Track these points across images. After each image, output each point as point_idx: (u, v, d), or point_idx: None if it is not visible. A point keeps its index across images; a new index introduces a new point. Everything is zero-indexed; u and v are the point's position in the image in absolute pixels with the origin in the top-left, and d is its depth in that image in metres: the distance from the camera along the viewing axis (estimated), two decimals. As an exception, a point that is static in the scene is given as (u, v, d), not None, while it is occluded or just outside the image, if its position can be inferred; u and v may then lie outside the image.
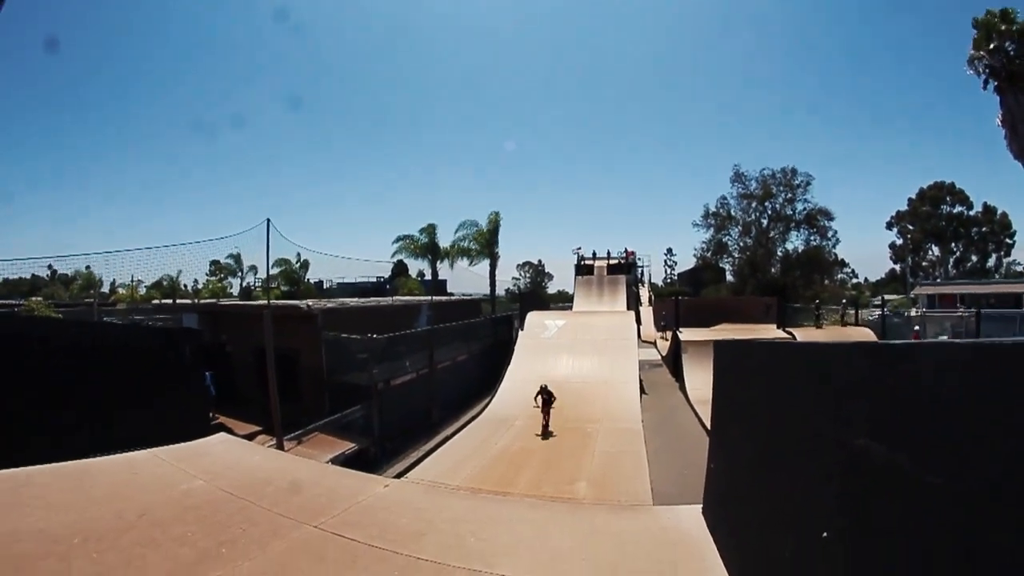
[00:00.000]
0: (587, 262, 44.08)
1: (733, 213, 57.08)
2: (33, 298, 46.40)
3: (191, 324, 21.65)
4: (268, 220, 17.70)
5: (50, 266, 60.58)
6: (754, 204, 55.90)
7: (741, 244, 57.47)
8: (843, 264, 60.64)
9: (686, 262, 69.98)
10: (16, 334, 7.07)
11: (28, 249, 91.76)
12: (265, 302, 23.07)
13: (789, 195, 54.91)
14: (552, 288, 70.06)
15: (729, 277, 60.44)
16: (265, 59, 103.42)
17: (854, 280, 63.95)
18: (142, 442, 5.93)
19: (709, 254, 59.41)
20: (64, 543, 3.59)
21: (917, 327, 31.47)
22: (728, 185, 57.40)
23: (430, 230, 44.94)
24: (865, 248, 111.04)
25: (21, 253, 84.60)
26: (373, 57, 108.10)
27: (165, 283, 49.04)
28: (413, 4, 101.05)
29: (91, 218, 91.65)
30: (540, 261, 77.34)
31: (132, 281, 48.32)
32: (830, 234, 54.96)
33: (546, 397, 14.06)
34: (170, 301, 47.50)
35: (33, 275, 59.24)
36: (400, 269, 54.45)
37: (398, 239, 46.45)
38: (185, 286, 50.91)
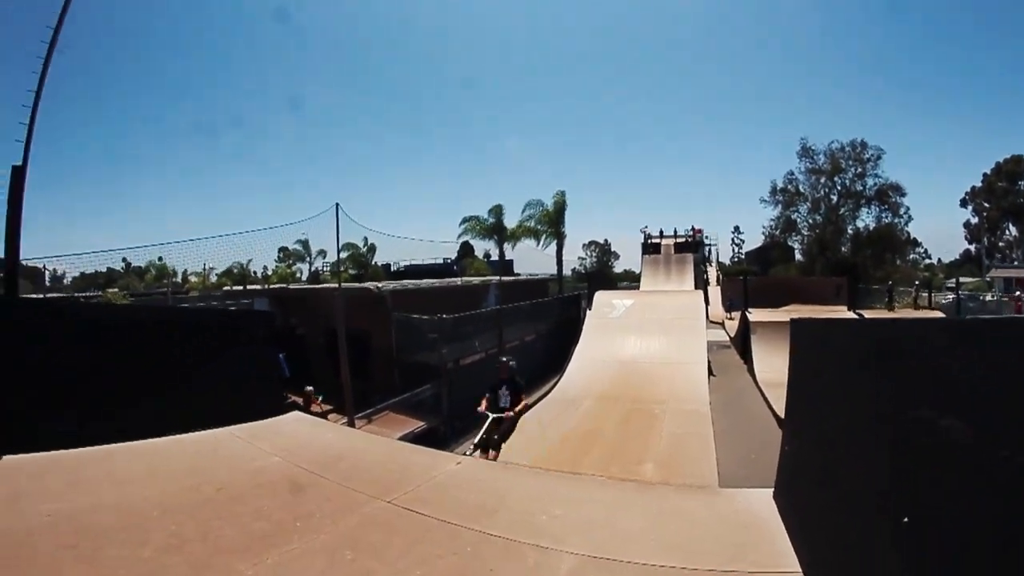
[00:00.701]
0: (654, 241, 43.66)
1: (801, 189, 54.65)
2: (110, 290, 49.10)
3: (262, 306, 22.53)
4: (337, 205, 18.20)
5: (125, 259, 63.80)
6: (823, 180, 53.30)
7: (810, 221, 55.12)
8: (915, 243, 57.71)
9: (754, 240, 68.10)
10: (98, 319, 7.50)
11: (102, 243, 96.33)
12: (335, 285, 23.67)
13: (859, 170, 52.00)
14: (619, 267, 69.58)
15: (798, 256, 58.28)
16: (326, 43, 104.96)
17: (927, 261, 61.02)
18: (219, 420, 6.24)
19: (777, 232, 57.30)
20: (142, 515, 3.86)
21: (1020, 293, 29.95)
22: (796, 160, 55.00)
23: (496, 211, 45.17)
24: (938, 227, 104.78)
25: (95, 247, 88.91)
26: (433, 35, 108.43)
27: (236, 270, 51.00)
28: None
29: (162, 208, 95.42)
30: (607, 240, 76.90)
31: (204, 269, 50.49)
32: (902, 211, 51.81)
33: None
34: (241, 287, 49.50)
35: (108, 268, 62.70)
36: (466, 250, 55.19)
37: (464, 220, 46.77)
38: (255, 272, 52.82)
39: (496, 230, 45.21)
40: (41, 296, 24.37)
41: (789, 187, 54.79)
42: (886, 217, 52.04)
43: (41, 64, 15.37)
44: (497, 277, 31.66)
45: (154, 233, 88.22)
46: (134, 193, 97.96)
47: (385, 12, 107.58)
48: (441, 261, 52.12)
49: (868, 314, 22.97)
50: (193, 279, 51.49)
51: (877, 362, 3.04)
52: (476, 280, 30.74)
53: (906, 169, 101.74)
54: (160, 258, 55.14)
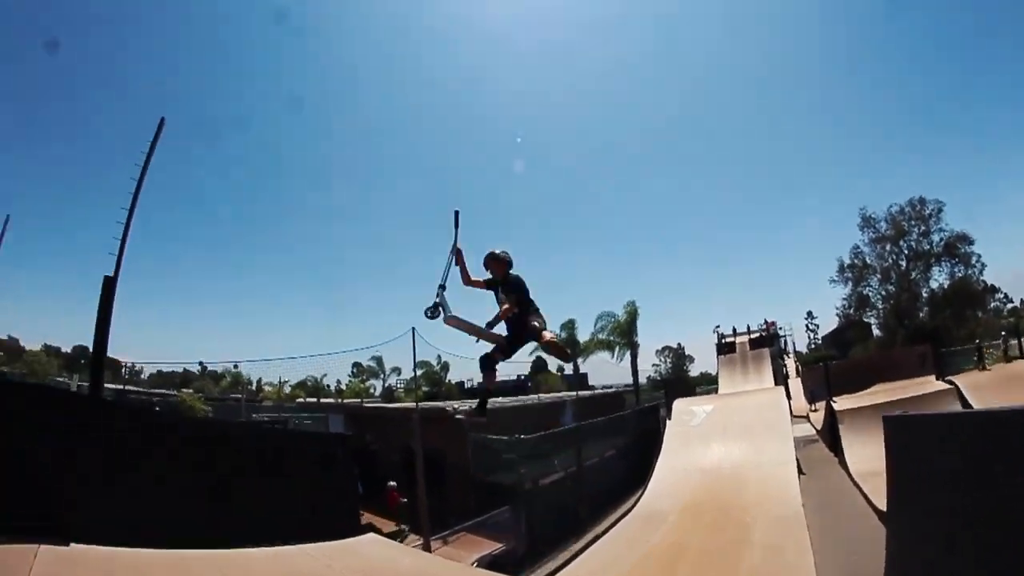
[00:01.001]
0: (728, 340, 42.97)
1: (869, 261, 52.72)
2: (184, 390, 51.38)
3: (338, 425, 23.09)
4: (413, 329, 18.79)
5: (201, 362, 67.01)
6: (888, 247, 51.31)
7: (883, 293, 52.83)
8: (994, 290, 53.77)
9: (828, 323, 65.41)
10: (193, 431, 7.94)
11: (178, 343, 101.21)
12: (409, 404, 24.08)
13: (923, 228, 49.57)
14: (695, 370, 67.94)
15: (876, 331, 55.68)
16: (404, 170, 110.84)
17: (1009, 305, 57.08)
18: (296, 537, 6.35)
19: (851, 310, 55.17)
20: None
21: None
22: (858, 233, 53.40)
23: (569, 326, 45.69)
24: (1016, 266, 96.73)
25: (172, 347, 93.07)
26: (502, 158, 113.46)
27: (309, 383, 52.42)
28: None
29: (237, 311, 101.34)
30: (680, 345, 75.68)
31: (279, 381, 52.23)
32: (974, 260, 48.99)
33: None
34: (315, 399, 50.85)
35: (184, 369, 66.09)
36: (539, 365, 55.16)
37: (538, 340, 46.87)
38: (328, 386, 54.06)
39: (569, 345, 45.36)
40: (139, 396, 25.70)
41: (856, 261, 52.88)
42: (959, 271, 49.39)
43: (134, 184, 17.28)
44: (573, 393, 31.50)
45: (229, 336, 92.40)
46: (211, 297, 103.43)
47: (459, 138, 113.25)
48: (515, 378, 52.24)
49: (960, 380, 21.73)
50: (268, 388, 53.22)
51: (986, 457, 2.97)
52: (553, 396, 30.66)
53: (970, 216, 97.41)
54: (236, 365, 57.71)
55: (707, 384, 44.11)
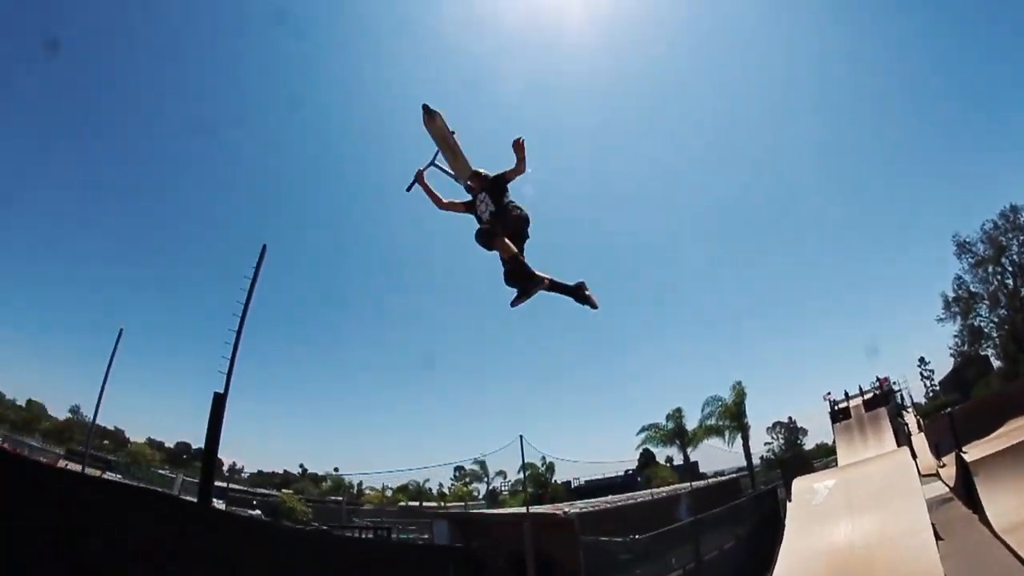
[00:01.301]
0: (840, 405, 41.08)
1: (974, 290, 48.72)
2: (285, 491, 52.77)
3: (442, 531, 23.18)
4: (521, 437, 19.45)
5: (301, 464, 69.20)
6: (991, 268, 47.45)
7: (996, 319, 48.45)
8: None
9: (943, 365, 60.59)
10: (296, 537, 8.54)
11: (279, 444, 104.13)
12: (518, 509, 24.13)
13: (1022, 238, 46.15)
14: (809, 442, 64.36)
15: (996, 362, 51.05)
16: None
17: None
18: None
19: (965, 346, 50.82)
20: None
21: None
22: (956, 262, 49.52)
23: (675, 415, 44.65)
24: None
25: (273, 448, 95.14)
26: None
27: (411, 487, 52.79)
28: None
29: (337, 412, 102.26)
30: (791, 419, 72.25)
31: (382, 488, 52.92)
32: None
33: None
34: (417, 503, 51.11)
35: (285, 470, 69.12)
36: (647, 458, 53.88)
37: (643, 429, 46.66)
38: (430, 489, 54.27)
39: (677, 434, 44.34)
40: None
41: (960, 293, 48.92)
42: (1073, 275, 44.95)
43: (241, 309, 19.12)
44: (687, 484, 30.76)
45: (329, 438, 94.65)
46: (312, 401, 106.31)
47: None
48: (623, 473, 51.18)
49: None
50: (369, 492, 53.81)
51: None
52: (664, 491, 29.99)
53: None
54: (336, 468, 58.87)
55: (825, 456, 41.89)
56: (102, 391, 28.04)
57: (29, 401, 66.18)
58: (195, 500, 19.30)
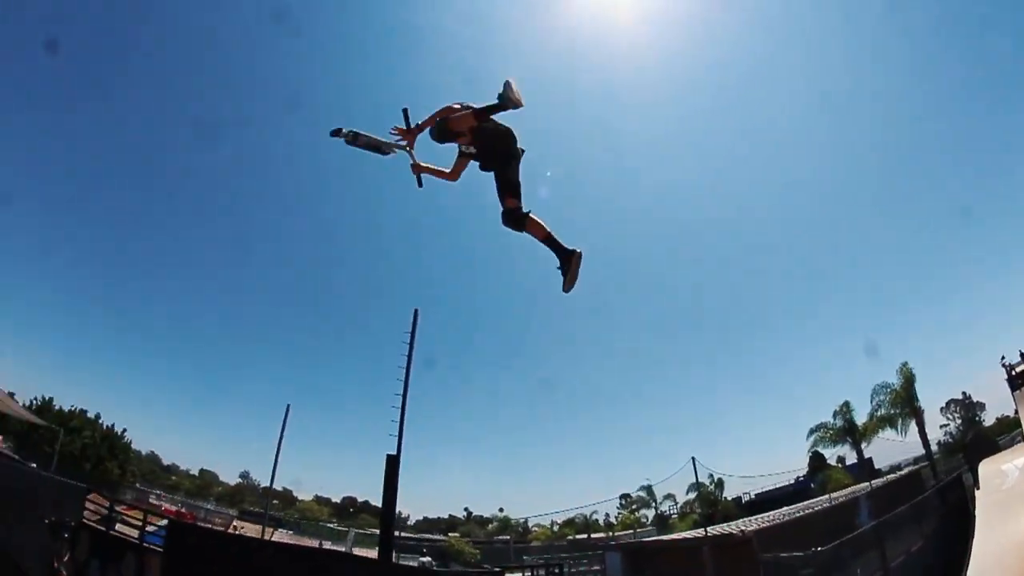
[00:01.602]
0: (1019, 369, 37.78)
1: None
2: (451, 534, 54.44)
3: (615, 562, 23.35)
4: (693, 459, 19.83)
5: (466, 508, 71.25)
6: None
7: None
8: None
9: None
10: None
11: (441, 490, 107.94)
12: (693, 533, 24.03)
13: None
14: (988, 417, 58.90)
15: None
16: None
17: None
18: None
19: None
20: None
21: None
22: None
23: (843, 410, 42.25)
24: None
25: (435, 494, 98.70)
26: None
27: (578, 520, 53.25)
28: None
29: (493, 459, 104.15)
30: (966, 394, 66.45)
31: (550, 524, 53.74)
32: None
33: None
34: (585, 536, 51.34)
35: (450, 515, 73.01)
36: (817, 462, 51.37)
37: (812, 431, 44.64)
38: (596, 520, 54.53)
39: (847, 431, 42.10)
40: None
41: None
42: None
43: (403, 374, 21.03)
44: (866, 484, 29.40)
45: (490, 480, 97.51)
46: (468, 445, 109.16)
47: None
48: (793, 482, 49.12)
49: None
50: (536, 529, 54.72)
51: None
52: (841, 494, 28.87)
53: None
54: (501, 509, 60.26)
55: (1010, 430, 38.47)
56: (276, 457, 31.60)
57: (202, 470, 75.04)
58: (375, 556, 21.37)
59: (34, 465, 28.53)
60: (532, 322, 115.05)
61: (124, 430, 51.02)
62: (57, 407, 46.40)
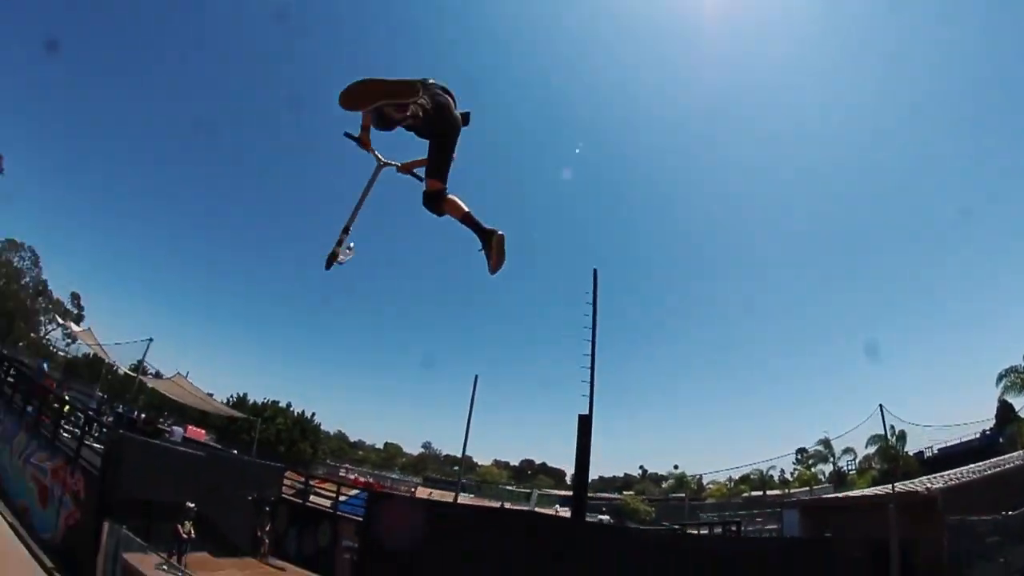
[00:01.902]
0: None
1: None
2: (626, 492, 54.87)
3: (792, 521, 22.65)
4: (881, 406, 18.84)
5: (641, 466, 71.99)
6: None
7: None
8: None
9: None
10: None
11: (617, 448, 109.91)
12: (876, 490, 22.72)
13: None
14: None
15: None
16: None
17: None
18: None
19: None
20: None
21: None
22: None
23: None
24: None
25: (610, 452, 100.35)
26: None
27: (753, 476, 52.01)
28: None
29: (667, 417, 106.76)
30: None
31: (728, 482, 52.99)
32: None
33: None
34: (760, 493, 49.98)
35: (625, 473, 75.46)
36: (1005, 413, 46.53)
37: (1002, 376, 40.42)
38: (771, 476, 52.99)
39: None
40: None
41: None
42: None
43: (590, 334, 21.50)
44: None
45: (666, 438, 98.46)
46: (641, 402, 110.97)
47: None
48: (979, 435, 44.76)
49: None
50: (711, 486, 54.16)
51: None
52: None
53: None
54: (676, 466, 60.27)
55: None
56: (468, 426, 32.93)
57: (387, 444, 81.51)
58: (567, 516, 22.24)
59: (235, 452, 32.83)
60: (715, 282, 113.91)
61: (313, 414, 57.30)
62: (251, 401, 53.61)
